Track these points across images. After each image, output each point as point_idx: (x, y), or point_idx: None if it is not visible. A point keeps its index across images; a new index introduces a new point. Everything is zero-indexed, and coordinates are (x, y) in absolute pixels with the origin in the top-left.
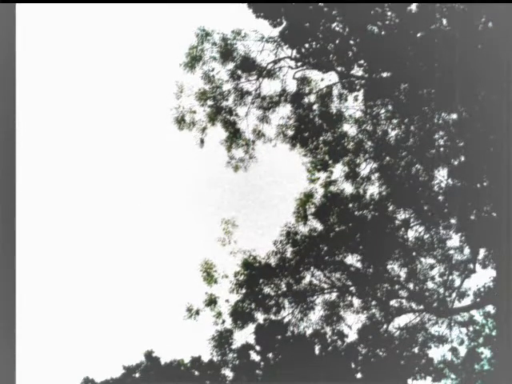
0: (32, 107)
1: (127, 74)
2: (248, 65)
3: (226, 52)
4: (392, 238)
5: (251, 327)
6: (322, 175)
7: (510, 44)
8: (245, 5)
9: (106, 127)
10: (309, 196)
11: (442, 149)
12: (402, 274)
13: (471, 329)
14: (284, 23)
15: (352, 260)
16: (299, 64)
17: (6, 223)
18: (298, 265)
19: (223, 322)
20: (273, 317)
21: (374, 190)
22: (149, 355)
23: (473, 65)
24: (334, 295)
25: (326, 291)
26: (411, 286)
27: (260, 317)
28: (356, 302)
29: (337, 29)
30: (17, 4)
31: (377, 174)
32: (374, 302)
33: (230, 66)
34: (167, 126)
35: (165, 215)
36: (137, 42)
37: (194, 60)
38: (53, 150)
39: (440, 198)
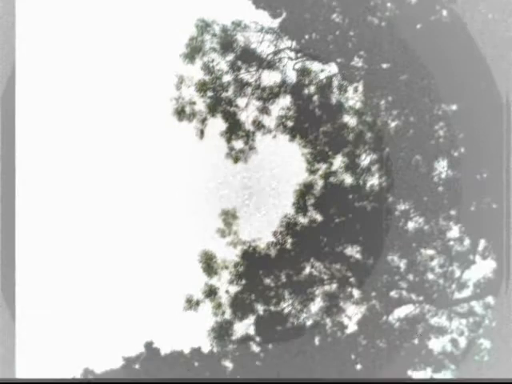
0: (31, 99)
1: (125, 66)
2: (248, 56)
3: (226, 43)
4: (392, 228)
5: (251, 318)
6: (322, 166)
7: (510, 36)
8: None
9: (105, 119)
10: (308, 187)
11: (441, 140)
12: (402, 265)
13: (471, 320)
14: (284, 14)
15: (352, 251)
16: (299, 55)
17: (5, 221)
18: (298, 256)
19: (223, 313)
20: (273, 308)
21: (374, 181)
22: (149, 346)
23: (472, 56)
24: (333, 286)
25: (325, 282)
26: (411, 277)
27: (260, 308)
28: (356, 292)
29: (337, 20)
30: None
31: (377, 165)
32: (373, 293)
33: (230, 57)
34: (167, 117)
35: (163, 206)
36: (136, 32)
37: (193, 51)
38: (50, 143)
39: (440, 188)
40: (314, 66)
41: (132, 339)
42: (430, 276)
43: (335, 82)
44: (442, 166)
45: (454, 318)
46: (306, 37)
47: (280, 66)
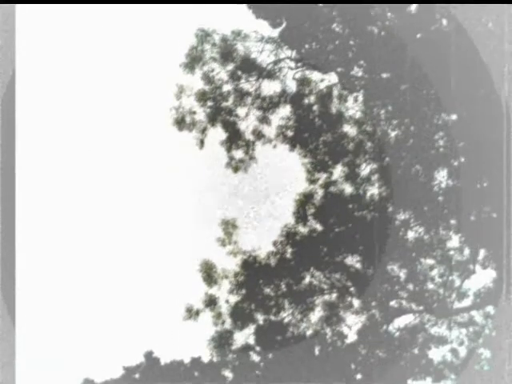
0: (31, 108)
1: (126, 75)
2: (248, 65)
3: (226, 53)
4: (392, 238)
5: (251, 328)
6: (322, 176)
7: (510, 44)
8: (245, 5)
9: (106, 128)
10: (308, 196)
11: (441, 149)
12: (402, 274)
13: (471, 329)
14: (284, 24)
15: (352, 261)
16: (299, 64)
17: (5, 220)
18: (298, 265)
19: (223, 322)
20: (273, 317)
21: (374, 190)
22: (149, 356)
23: (472, 65)
24: (333, 296)
25: (325, 292)
26: (411, 286)
27: (260, 317)
28: (356, 302)
29: (337, 29)
30: (17, 5)
31: (377, 175)
32: (373, 303)
33: (230, 66)
34: (167, 126)
35: (163, 216)
36: (136, 42)
37: (193, 61)
38: (50, 153)
39: (440, 198)
40: (314, 75)
41: (132, 349)
42: (430, 286)
43: (335, 92)
44: (441, 176)
45: (453, 328)
46: (306, 46)
47: (280, 76)
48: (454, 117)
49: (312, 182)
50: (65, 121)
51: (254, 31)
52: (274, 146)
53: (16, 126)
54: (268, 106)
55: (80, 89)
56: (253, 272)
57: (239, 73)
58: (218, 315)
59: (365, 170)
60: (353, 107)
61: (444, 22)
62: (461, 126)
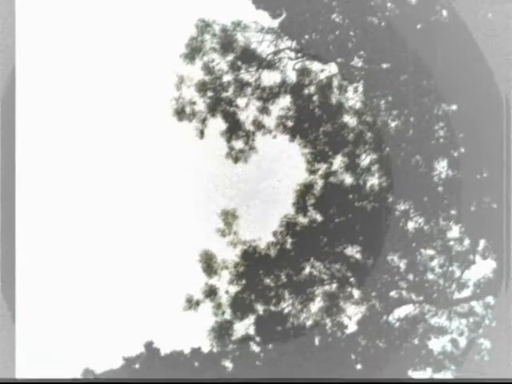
0: (30, 99)
1: (126, 66)
2: (248, 56)
3: (226, 43)
4: (392, 228)
5: (251, 318)
6: (322, 166)
7: (510, 34)
8: None
9: (104, 118)
10: (308, 187)
11: (441, 140)
12: (402, 265)
13: (471, 320)
14: (284, 14)
15: (352, 251)
16: (299, 55)
17: (5, 222)
18: (298, 256)
19: (223, 313)
20: (273, 308)
21: (374, 181)
22: (149, 346)
23: (472, 56)
24: (333, 286)
25: (325, 282)
26: (411, 277)
27: (260, 308)
28: (356, 292)
29: (337, 20)
30: None
31: (377, 165)
32: (373, 293)
33: (230, 57)
34: (167, 117)
35: (163, 206)
36: (136, 32)
37: (193, 51)
38: (50, 143)
39: (440, 188)
40: (314, 65)
41: (132, 339)
42: (430, 276)
43: (335, 82)
44: (441, 166)
45: (453, 318)
46: (306, 37)
47: (280, 66)
48: (454, 107)
49: (312, 172)
50: (64, 111)
51: (254, 22)
52: (274, 137)
53: (16, 119)
54: (268, 96)
55: (79, 79)
56: (253, 262)
57: (239, 63)
58: (218, 305)
59: (365, 160)
60: (353, 98)
61: (444, 12)
62: (461, 117)
